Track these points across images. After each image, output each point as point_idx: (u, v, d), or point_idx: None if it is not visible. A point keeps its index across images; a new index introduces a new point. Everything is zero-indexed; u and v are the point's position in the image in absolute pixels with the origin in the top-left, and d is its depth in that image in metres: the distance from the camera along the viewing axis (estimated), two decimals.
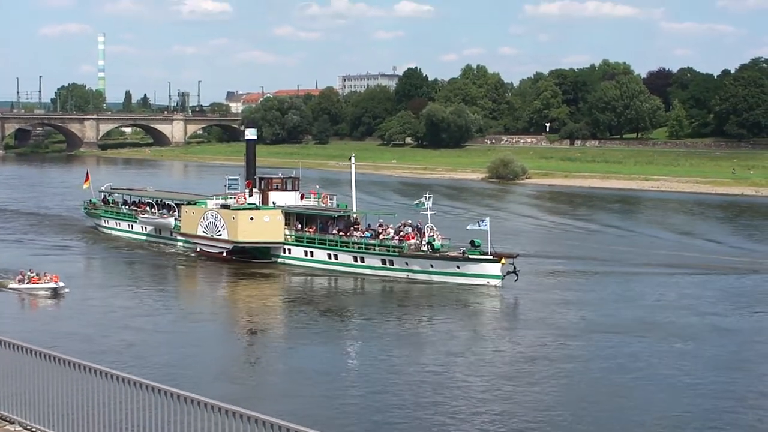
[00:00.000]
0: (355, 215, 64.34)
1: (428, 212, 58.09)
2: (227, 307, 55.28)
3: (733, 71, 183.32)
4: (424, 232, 58.72)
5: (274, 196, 67.31)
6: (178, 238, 71.64)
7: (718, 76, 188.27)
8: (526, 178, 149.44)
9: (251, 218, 64.60)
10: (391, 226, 61.29)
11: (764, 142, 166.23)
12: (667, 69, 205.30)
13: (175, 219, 71.91)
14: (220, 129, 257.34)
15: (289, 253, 64.04)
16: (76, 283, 56.31)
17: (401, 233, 59.52)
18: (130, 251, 72.17)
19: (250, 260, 64.63)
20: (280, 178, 69.29)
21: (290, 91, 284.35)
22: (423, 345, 43.30)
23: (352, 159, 66.76)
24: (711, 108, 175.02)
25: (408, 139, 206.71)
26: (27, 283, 52.69)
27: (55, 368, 15.64)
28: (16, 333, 37.92)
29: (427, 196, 58.59)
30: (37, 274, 53.24)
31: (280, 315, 52.20)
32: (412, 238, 58.89)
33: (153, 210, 75.95)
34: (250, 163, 70.75)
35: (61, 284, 52.57)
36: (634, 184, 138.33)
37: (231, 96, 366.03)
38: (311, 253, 62.71)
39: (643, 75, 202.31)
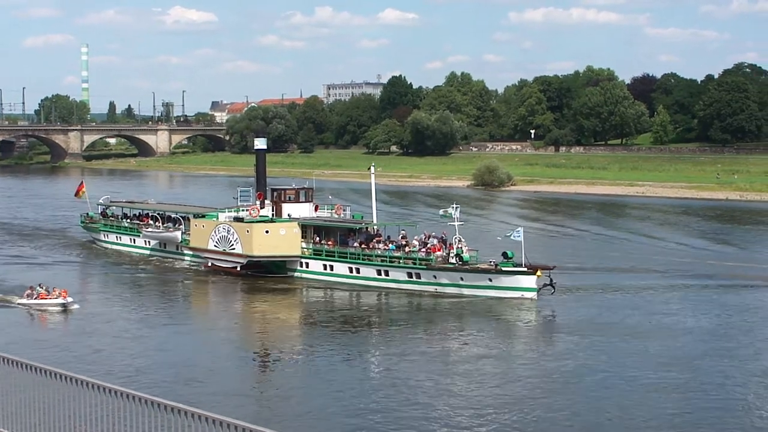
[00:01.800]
0: (375, 227, 60.32)
1: (456, 223, 54.27)
2: (244, 323, 51.69)
3: (716, 76, 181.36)
4: (451, 244, 54.90)
5: (288, 208, 63.34)
6: (186, 252, 67.50)
7: (701, 81, 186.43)
8: (512, 184, 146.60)
9: (267, 231, 60.59)
10: (416, 237, 57.41)
11: (748, 146, 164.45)
12: (651, 75, 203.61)
13: (183, 233, 67.68)
14: (205, 139, 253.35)
15: (307, 267, 60.06)
16: (83, 298, 54.03)
17: (428, 245, 55.58)
18: (135, 266, 68.21)
19: (265, 275, 60.67)
20: (294, 189, 65.32)
21: (275, 100, 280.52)
22: (453, 363, 40.11)
23: (372, 169, 62.80)
24: (695, 113, 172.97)
25: (393, 147, 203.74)
26: (36, 298, 50.61)
27: (49, 383, 15.39)
28: (26, 349, 36.43)
29: (455, 206, 54.83)
30: (46, 290, 51.06)
31: (301, 331, 48.81)
32: (438, 250, 55.05)
33: (157, 223, 71.66)
34: (261, 173, 66.67)
35: (70, 300, 50.40)
36: (619, 190, 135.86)
37: (216, 106, 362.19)
38: (331, 266, 58.73)
39: (628, 81, 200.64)
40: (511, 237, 51.71)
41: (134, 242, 73.21)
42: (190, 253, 66.82)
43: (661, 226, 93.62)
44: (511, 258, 52.19)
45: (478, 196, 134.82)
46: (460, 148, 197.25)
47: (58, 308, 49.81)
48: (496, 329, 47.38)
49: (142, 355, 41.29)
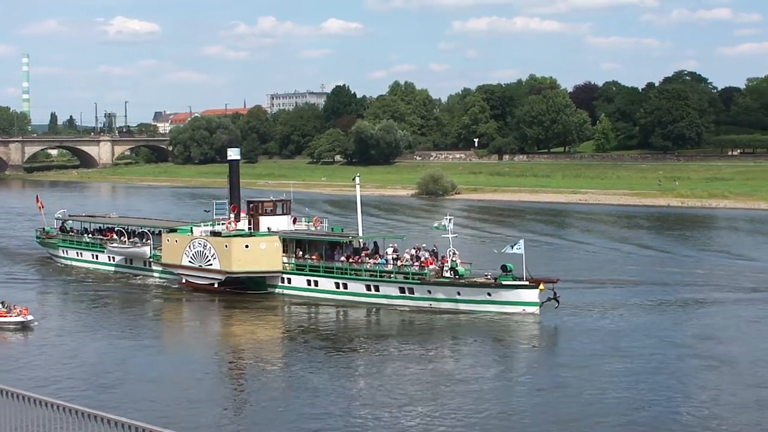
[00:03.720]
0: (361, 240, 56.20)
1: (450, 235, 50.58)
2: (218, 342, 47.89)
3: (657, 84, 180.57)
4: (444, 257, 51.23)
5: (267, 221, 59.06)
6: (155, 268, 62.84)
7: (642, 89, 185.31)
8: (456, 193, 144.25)
9: (246, 246, 56.29)
10: (407, 250, 53.48)
11: (689, 153, 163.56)
12: (593, 83, 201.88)
13: (152, 248, 62.94)
14: (148, 150, 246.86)
15: (289, 282, 55.84)
16: (45, 316, 50.93)
17: (420, 258, 51.72)
18: (100, 283, 63.57)
19: (244, 291, 56.34)
20: (272, 201, 60.97)
21: (218, 110, 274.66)
22: (451, 383, 36.86)
23: (357, 179, 58.74)
24: (636, 121, 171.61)
25: (337, 157, 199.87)
26: None
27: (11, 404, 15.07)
28: None
29: (449, 218, 51.16)
30: (7, 307, 48.11)
31: (285, 351, 45.00)
32: (431, 263, 51.27)
33: (123, 238, 66.79)
34: (234, 185, 62.33)
35: (30, 317, 47.44)
36: (562, 198, 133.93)
37: (159, 116, 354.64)
38: (315, 282, 54.60)
39: (570, 89, 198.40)
40: (512, 250, 48.16)
41: (97, 258, 68.33)
42: (160, 269, 62.27)
43: (610, 233, 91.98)
44: (510, 271, 48.67)
45: (422, 205, 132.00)
46: (412, 157, 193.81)
47: (18, 326, 46.92)
48: (497, 346, 44.24)
49: (112, 373, 38.62)
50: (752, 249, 76.88)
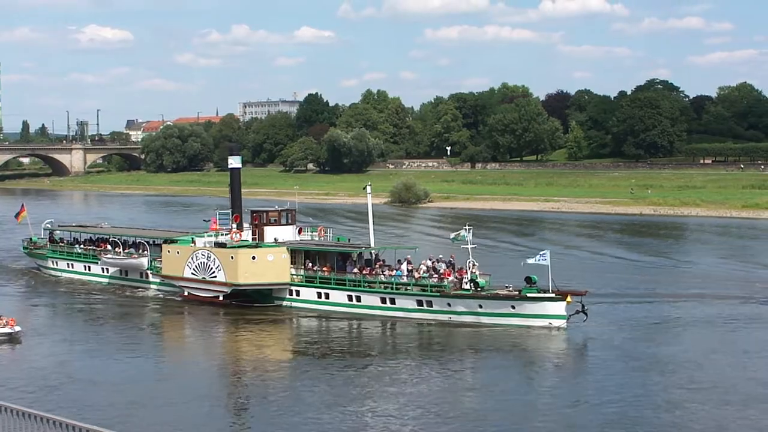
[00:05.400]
0: (372, 251, 53.35)
1: (469, 246, 47.90)
2: (222, 357, 44.97)
3: (629, 93, 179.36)
4: (461, 269, 48.59)
5: (272, 232, 56.01)
6: (153, 280, 59.61)
7: (614, 97, 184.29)
8: (429, 201, 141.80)
9: (253, 257, 53.21)
10: (423, 262, 50.73)
11: (661, 162, 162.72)
12: (565, 91, 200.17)
13: (151, 259, 59.68)
14: (120, 158, 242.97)
15: (298, 295, 52.87)
16: (34, 328, 48.62)
17: (439, 270, 49.01)
18: (93, 295, 60.14)
19: (250, 304, 53.34)
20: (276, 210, 57.84)
21: (191, 118, 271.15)
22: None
23: (368, 189, 55.74)
24: (608, 129, 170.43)
25: (310, 165, 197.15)
26: None
27: None
28: None
29: (467, 227, 48.44)
30: None
31: (294, 362, 42.70)
32: (449, 275, 48.59)
33: (117, 249, 63.42)
34: (236, 194, 59.28)
35: (18, 329, 45.46)
36: (534, 206, 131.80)
37: (131, 124, 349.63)
38: (326, 294, 51.69)
39: (542, 97, 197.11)
40: (536, 261, 45.62)
41: (89, 269, 64.95)
42: (159, 281, 59.05)
43: (591, 240, 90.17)
44: (535, 283, 46.13)
45: (397, 213, 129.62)
46: (385, 165, 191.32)
47: (5, 338, 44.75)
48: (524, 360, 41.76)
49: (105, 388, 36.63)
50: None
